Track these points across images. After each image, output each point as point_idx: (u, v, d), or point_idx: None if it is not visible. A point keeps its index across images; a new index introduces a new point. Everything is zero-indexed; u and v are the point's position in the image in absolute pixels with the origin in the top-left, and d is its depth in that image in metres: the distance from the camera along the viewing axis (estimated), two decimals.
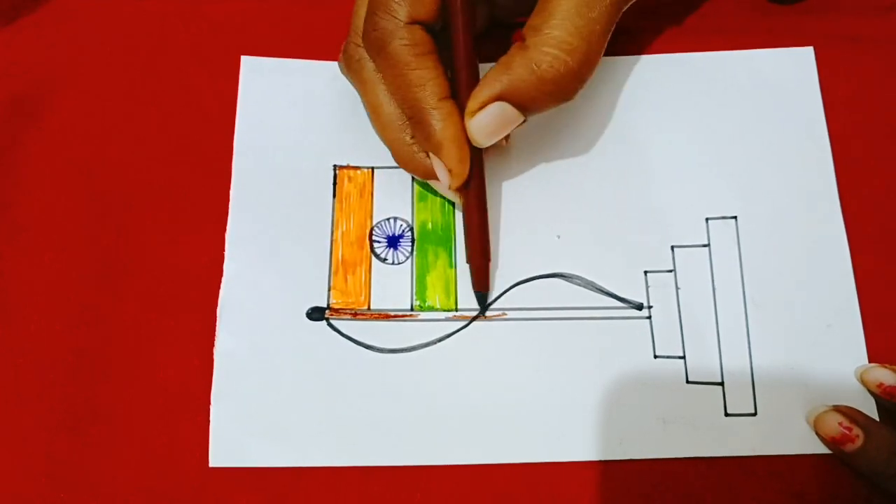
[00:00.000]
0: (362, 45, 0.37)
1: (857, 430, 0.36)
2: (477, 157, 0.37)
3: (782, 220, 0.41)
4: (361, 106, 0.42)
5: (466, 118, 0.36)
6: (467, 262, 0.40)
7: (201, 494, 0.37)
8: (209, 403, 0.38)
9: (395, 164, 0.41)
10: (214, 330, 0.39)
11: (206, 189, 0.41)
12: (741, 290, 0.40)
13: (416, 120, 0.36)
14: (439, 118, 0.35)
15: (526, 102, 0.35)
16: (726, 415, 0.38)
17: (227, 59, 0.43)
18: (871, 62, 0.43)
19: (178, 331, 0.39)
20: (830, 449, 0.37)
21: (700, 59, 0.43)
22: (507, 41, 0.42)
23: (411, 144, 0.38)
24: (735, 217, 0.41)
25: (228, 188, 0.41)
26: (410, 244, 0.41)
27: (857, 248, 0.40)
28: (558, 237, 0.41)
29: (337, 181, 0.42)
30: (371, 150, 0.42)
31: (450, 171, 0.36)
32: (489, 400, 0.38)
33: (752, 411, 0.38)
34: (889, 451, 0.36)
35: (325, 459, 0.37)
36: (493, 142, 0.37)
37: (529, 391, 0.38)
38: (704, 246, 0.40)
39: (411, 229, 0.41)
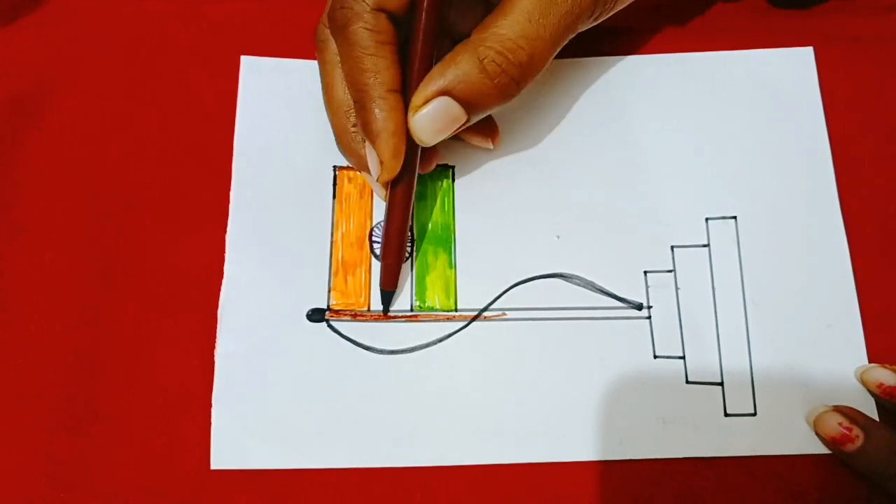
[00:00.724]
0: (328, 26, 0.37)
1: (857, 431, 0.36)
2: (411, 157, 0.37)
3: (782, 221, 0.41)
4: None
5: (410, 113, 0.35)
6: (379, 258, 0.40)
7: (202, 496, 0.37)
8: (209, 404, 0.38)
9: None
10: (215, 330, 0.39)
11: (206, 189, 0.41)
12: (741, 290, 0.40)
13: (360, 106, 0.36)
14: (383, 108, 0.35)
15: (468, 97, 0.35)
16: (726, 415, 0.38)
17: (226, 59, 0.43)
18: (870, 62, 0.43)
19: (178, 331, 0.39)
20: (830, 449, 0.37)
21: (700, 59, 0.43)
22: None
23: (353, 132, 0.38)
24: (735, 217, 0.41)
25: (228, 188, 0.41)
26: (410, 245, 0.41)
27: (857, 248, 0.40)
28: (558, 237, 0.41)
29: (337, 182, 0.42)
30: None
31: (381, 163, 0.36)
32: (489, 400, 0.38)
33: (752, 411, 0.38)
34: (889, 452, 0.36)
35: (325, 461, 0.38)
36: (436, 140, 0.36)
37: (529, 391, 0.38)
38: (704, 246, 0.40)
39: (411, 230, 0.41)
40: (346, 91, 0.37)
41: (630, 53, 0.43)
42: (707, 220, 0.41)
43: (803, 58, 0.43)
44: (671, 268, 0.40)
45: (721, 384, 0.39)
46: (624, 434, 0.38)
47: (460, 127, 0.36)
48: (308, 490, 0.37)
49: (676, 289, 0.40)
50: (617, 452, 0.38)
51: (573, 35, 0.37)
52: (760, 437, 0.38)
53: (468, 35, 0.36)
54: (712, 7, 0.44)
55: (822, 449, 0.37)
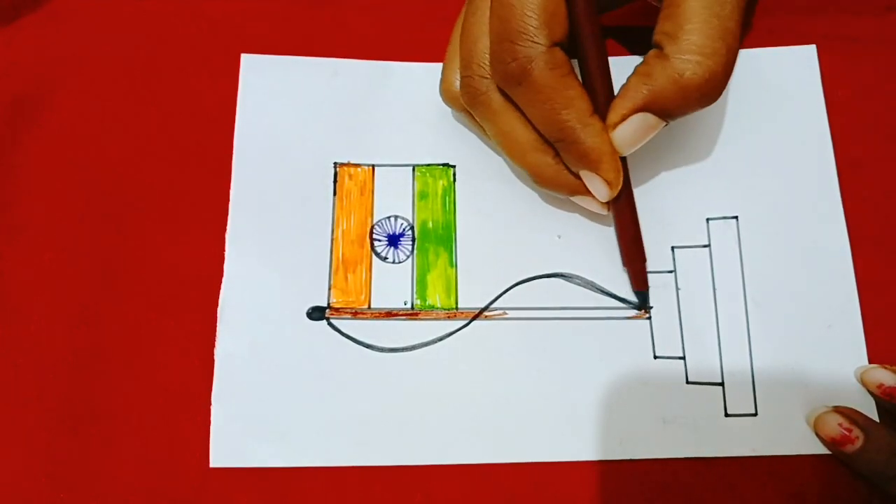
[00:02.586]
0: (483, 76, 0.36)
1: (857, 432, 0.36)
2: (624, 166, 0.37)
3: (783, 221, 0.41)
4: (362, 103, 0.42)
5: (609, 130, 0.35)
6: (624, 266, 0.40)
7: (202, 494, 0.37)
8: (209, 404, 0.38)
9: (395, 162, 0.42)
10: (214, 330, 0.39)
11: (206, 188, 0.41)
12: (742, 290, 0.40)
13: (567, 141, 0.35)
14: (592, 135, 0.35)
15: (670, 110, 0.35)
16: (726, 415, 0.38)
17: (226, 57, 0.43)
18: (871, 62, 0.43)
19: (178, 331, 0.39)
20: (830, 450, 0.37)
21: None
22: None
23: (555, 165, 0.37)
24: (736, 217, 0.41)
25: (228, 187, 0.41)
26: (411, 243, 0.41)
27: (858, 248, 0.40)
28: (558, 237, 0.41)
29: (337, 179, 0.42)
30: (372, 147, 0.42)
31: (608, 183, 0.36)
32: (489, 399, 0.38)
33: (753, 411, 0.38)
34: (889, 453, 0.36)
35: (325, 459, 0.38)
36: (635, 149, 0.36)
37: (529, 391, 0.38)
38: (705, 246, 0.40)
39: (412, 228, 0.41)
40: (529, 130, 0.37)
41: (630, 53, 0.43)
42: (708, 220, 0.41)
43: (806, 56, 0.43)
44: (672, 268, 0.40)
45: (721, 384, 0.39)
46: (624, 434, 0.38)
47: (658, 131, 0.36)
48: (307, 488, 0.37)
49: (677, 289, 0.40)
50: (617, 452, 0.38)
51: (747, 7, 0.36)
52: (761, 437, 0.38)
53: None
54: None
55: (822, 449, 0.37)
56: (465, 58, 0.37)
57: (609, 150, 0.35)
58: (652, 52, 0.35)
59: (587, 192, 0.37)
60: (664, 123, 0.36)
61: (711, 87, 0.34)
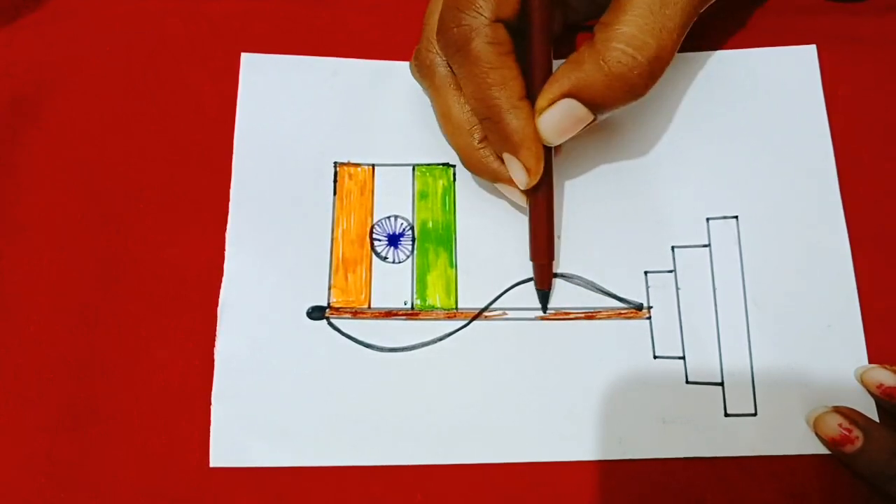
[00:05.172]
0: (433, 50, 0.37)
1: (856, 432, 0.36)
2: (547, 158, 0.37)
3: (783, 220, 0.41)
4: (362, 102, 0.42)
5: (536, 116, 0.35)
6: (531, 259, 0.39)
7: (202, 494, 0.37)
8: (209, 403, 0.38)
9: (396, 162, 0.42)
10: (214, 330, 0.39)
11: (206, 188, 0.41)
12: (742, 290, 0.40)
13: (493, 121, 0.36)
14: (519, 118, 0.35)
15: (595, 99, 0.35)
16: (726, 415, 0.38)
17: (227, 56, 0.43)
18: (871, 62, 0.43)
19: (178, 331, 0.39)
20: (830, 450, 0.37)
21: (701, 58, 0.43)
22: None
23: (480, 148, 0.38)
24: (736, 217, 0.41)
25: (228, 187, 0.41)
26: (411, 243, 0.41)
27: (859, 248, 0.40)
28: (558, 237, 0.41)
29: (338, 178, 0.42)
30: (372, 146, 0.42)
31: (528, 170, 0.36)
32: (489, 399, 0.38)
33: (752, 411, 0.38)
34: (889, 453, 0.36)
35: (325, 459, 0.38)
36: (562, 140, 0.36)
37: (529, 391, 0.38)
38: (705, 246, 0.40)
39: (412, 228, 0.41)
40: (465, 110, 0.37)
41: None
42: (708, 219, 0.41)
43: (806, 56, 0.43)
44: (672, 268, 0.40)
45: (721, 384, 0.39)
46: (624, 434, 0.38)
47: (587, 126, 0.36)
48: (307, 488, 0.37)
49: (677, 289, 0.40)
50: (617, 452, 0.38)
51: (695, 20, 0.36)
52: (760, 437, 0.38)
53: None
54: (712, 7, 0.44)
55: (822, 449, 0.37)
56: (423, 31, 0.38)
57: (532, 136, 0.36)
58: (586, 41, 0.35)
59: (509, 181, 0.38)
60: (593, 117, 0.36)
61: (636, 80, 0.35)
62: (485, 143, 0.38)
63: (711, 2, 0.37)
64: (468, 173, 0.41)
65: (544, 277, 0.39)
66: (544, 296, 0.40)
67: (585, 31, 0.44)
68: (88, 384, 0.38)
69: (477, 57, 0.35)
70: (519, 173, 0.37)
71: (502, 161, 0.37)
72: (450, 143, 0.39)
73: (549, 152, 0.37)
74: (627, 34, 0.34)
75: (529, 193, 0.38)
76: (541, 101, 0.35)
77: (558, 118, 0.35)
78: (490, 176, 0.38)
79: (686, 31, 0.36)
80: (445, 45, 0.36)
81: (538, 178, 0.36)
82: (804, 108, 0.42)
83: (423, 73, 0.38)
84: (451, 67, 0.37)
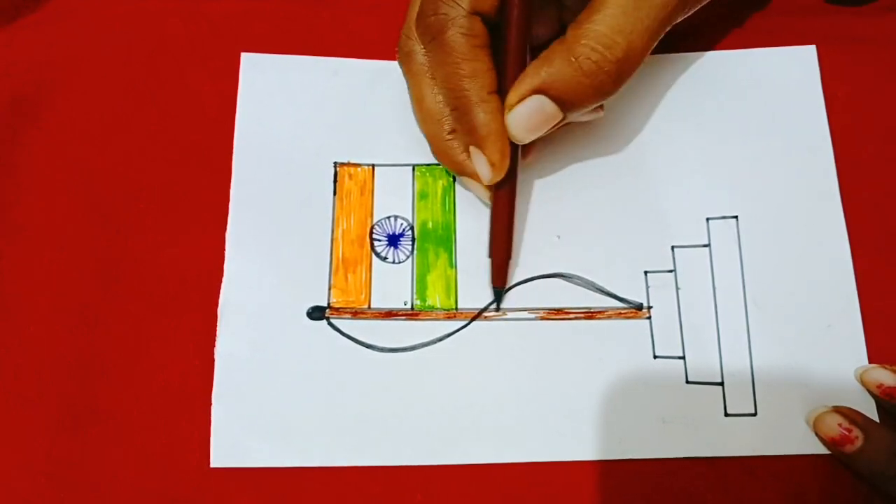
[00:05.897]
0: (412, 37, 0.37)
1: (856, 432, 0.36)
2: (513, 156, 0.37)
3: (783, 220, 0.41)
4: (362, 102, 0.42)
5: (506, 111, 0.36)
6: (489, 256, 0.40)
7: (202, 495, 0.37)
8: (210, 403, 0.38)
9: (396, 162, 0.42)
10: (214, 330, 0.39)
11: (206, 187, 0.41)
12: (742, 290, 0.40)
13: (461, 111, 0.36)
14: (486, 111, 0.35)
15: (563, 96, 0.35)
16: (726, 415, 0.38)
17: (227, 56, 0.43)
18: (871, 62, 0.43)
19: (178, 331, 0.39)
20: (830, 450, 0.37)
21: (701, 58, 0.43)
22: None
23: (449, 140, 0.38)
24: (736, 217, 0.41)
25: (228, 187, 0.41)
26: (411, 243, 0.41)
27: (858, 248, 0.40)
28: (558, 237, 0.41)
29: (338, 178, 0.42)
30: (372, 147, 0.42)
31: (492, 165, 0.36)
32: (489, 399, 0.38)
33: (752, 411, 0.38)
34: (888, 453, 0.36)
35: (325, 459, 0.38)
36: (531, 138, 0.36)
37: (529, 391, 0.38)
38: (705, 246, 0.40)
39: (412, 228, 0.41)
40: (437, 100, 0.38)
41: None
42: (708, 219, 0.41)
43: (805, 57, 0.43)
44: (672, 268, 0.40)
45: (721, 384, 0.39)
46: (624, 434, 0.38)
47: (557, 124, 0.36)
48: (307, 488, 0.37)
49: (677, 289, 0.40)
50: (617, 452, 0.38)
51: (669, 27, 0.36)
52: (761, 437, 0.38)
53: (544, 41, 0.36)
54: (712, 7, 0.44)
55: (822, 449, 0.37)
56: (406, 18, 0.38)
57: (498, 130, 0.36)
58: (558, 38, 0.35)
59: (474, 174, 0.38)
60: (562, 116, 0.36)
61: (604, 77, 0.35)
62: (454, 134, 0.38)
63: (692, 10, 0.37)
64: None
65: (500, 275, 0.39)
66: (498, 293, 0.40)
67: None
68: (88, 384, 0.38)
69: (451, 46, 0.35)
70: (483, 168, 0.37)
71: (469, 155, 0.37)
72: (421, 130, 0.39)
73: (515, 150, 0.37)
74: (598, 32, 0.34)
75: (493, 190, 0.38)
76: (510, 97, 0.35)
77: (527, 115, 0.35)
78: (455, 168, 0.39)
79: (660, 35, 0.36)
80: (422, 32, 0.36)
81: (502, 174, 0.37)
82: (804, 108, 0.42)
83: (403, 59, 0.39)
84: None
